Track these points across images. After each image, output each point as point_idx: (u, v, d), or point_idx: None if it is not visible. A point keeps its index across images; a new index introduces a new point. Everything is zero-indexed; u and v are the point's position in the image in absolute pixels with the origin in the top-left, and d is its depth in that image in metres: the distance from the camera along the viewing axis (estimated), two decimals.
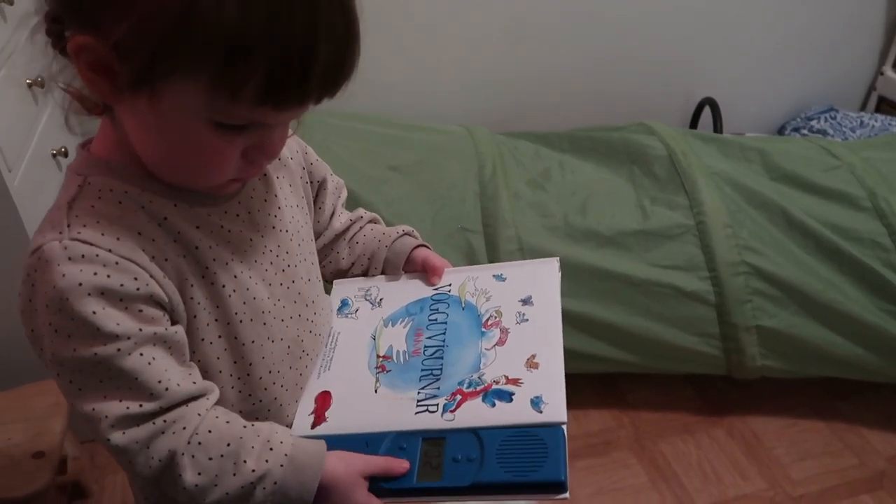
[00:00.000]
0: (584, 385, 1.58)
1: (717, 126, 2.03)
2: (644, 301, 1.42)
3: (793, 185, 1.55)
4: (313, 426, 0.66)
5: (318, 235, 0.79)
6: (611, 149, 1.63)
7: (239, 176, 0.57)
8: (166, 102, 0.49)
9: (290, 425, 0.66)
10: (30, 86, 1.16)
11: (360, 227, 0.82)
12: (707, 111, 2.10)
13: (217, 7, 0.44)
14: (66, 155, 1.26)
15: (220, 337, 0.60)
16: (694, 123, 2.19)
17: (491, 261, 1.41)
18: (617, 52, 2.06)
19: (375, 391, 0.68)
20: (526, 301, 0.73)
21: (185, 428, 0.55)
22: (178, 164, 0.55)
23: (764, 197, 1.50)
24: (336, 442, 0.62)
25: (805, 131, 2.22)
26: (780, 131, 2.35)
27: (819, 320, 1.42)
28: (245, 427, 0.58)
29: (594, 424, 1.52)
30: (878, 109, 2.37)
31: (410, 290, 0.78)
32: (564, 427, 0.60)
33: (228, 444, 0.56)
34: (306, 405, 0.68)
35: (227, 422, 0.57)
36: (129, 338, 0.52)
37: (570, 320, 1.41)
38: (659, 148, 1.59)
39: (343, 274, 0.82)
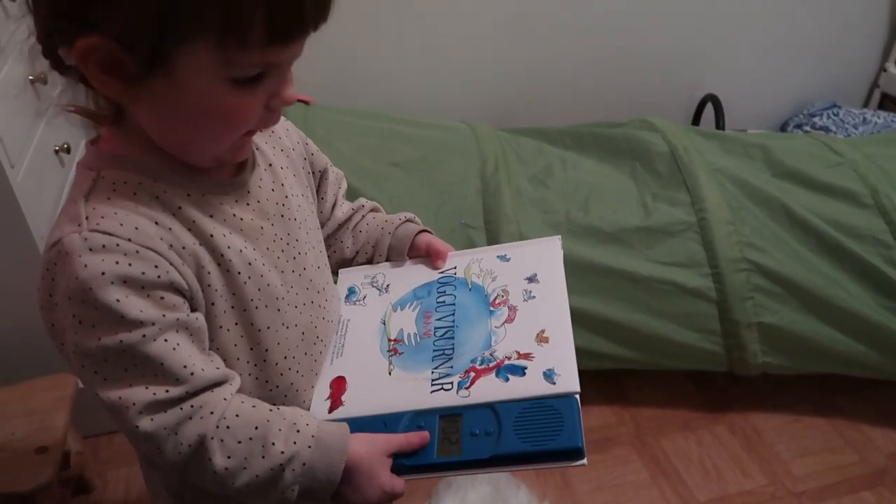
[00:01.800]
0: (585, 381, 1.54)
1: (720, 122, 2.03)
2: (645, 298, 1.42)
3: (795, 181, 1.55)
4: (330, 410, 0.67)
5: (321, 226, 0.79)
6: (613, 145, 1.63)
7: (258, 126, 0.57)
8: (182, 74, 0.50)
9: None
10: (32, 82, 1.16)
11: (363, 216, 0.83)
12: (709, 107, 2.09)
13: None
14: (68, 151, 1.26)
15: (236, 324, 0.60)
16: (696, 120, 2.19)
17: None
18: (620, 48, 2.06)
19: (389, 373, 0.69)
20: (531, 279, 0.74)
21: (212, 413, 0.55)
22: (203, 136, 0.55)
23: (766, 193, 1.50)
24: (355, 424, 0.62)
25: (807, 128, 2.21)
26: (783, 128, 2.34)
27: (820, 317, 1.42)
28: (271, 410, 0.59)
29: (595, 421, 1.53)
30: (881, 106, 2.36)
31: (416, 274, 0.79)
32: (578, 396, 0.62)
33: (256, 428, 0.57)
34: (322, 391, 0.69)
35: (253, 406, 0.58)
36: (153, 324, 0.53)
37: (572, 316, 1.40)
38: (661, 144, 1.59)
39: (348, 263, 0.82)
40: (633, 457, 1.45)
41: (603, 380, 1.60)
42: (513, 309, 0.71)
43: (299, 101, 1.60)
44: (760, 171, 1.57)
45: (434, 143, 1.59)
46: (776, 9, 2.13)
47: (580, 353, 1.64)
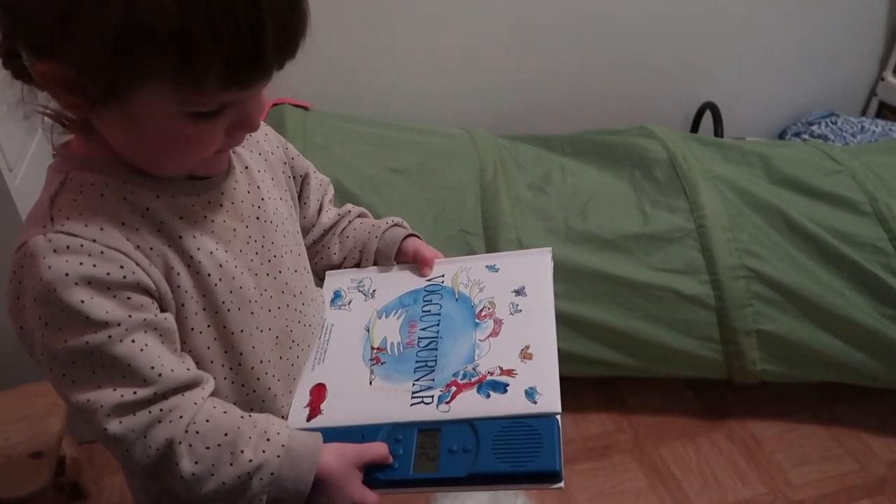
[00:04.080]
0: (584, 389, 1.58)
1: (718, 130, 2.04)
2: (644, 304, 1.42)
3: (793, 189, 1.55)
4: (309, 419, 0.66)
5: (306, 231, 0.79)
6: (612, 152, 1.63)
7: (223, 149, 0.57)
8: (137, 108, 0.50)
9: (285, 417, 0.66)
10: None
11: (350, 222, 0.82)
12: (708, 115, 2.10)
13: (157, 10, 0.44)
14: None
15: (209, 326, 0.60)
16: (695, 127, 2.19)
17: None
18: (619, 55, 2.06)
19: (370, 383, 0.68)
20: (519, 292, 0.73)
21: (181, 416, 0.55)
22: (165, 158, 0.55)
23: (764, 201, 1.50)
24: (332, 434, 0.62)
25: (806, 136, 2.22)
26: (781, 136, 2.35)
27: (819, 325, 1.41)
28: (242, 417, 0.58)
29: (594, 428, 1.52)
30: (878, 115, 2.37)
31: (403, 281, 0.78)
32: (559, 417, 0.61)
33: (226, 434, 0.56)
34: (301, 398, 0.68)
35: (225, 412, 0.57)
36: (119, 324, 0.52)
37: (570, 323, 1.41)
38: (660, 152, 1.59)
39: (335, 269, 0.82)
40: (631, 464, 1.45)
41: (601, 387, 1.59)
42: (498, 322, 0.70)
43: (298, 106, 1.60)
44: (759, 179, 1.57)
45: (433, 150, 1.59)
46: (775, 18, 2.14)
47: (579, 359, 1.64)
